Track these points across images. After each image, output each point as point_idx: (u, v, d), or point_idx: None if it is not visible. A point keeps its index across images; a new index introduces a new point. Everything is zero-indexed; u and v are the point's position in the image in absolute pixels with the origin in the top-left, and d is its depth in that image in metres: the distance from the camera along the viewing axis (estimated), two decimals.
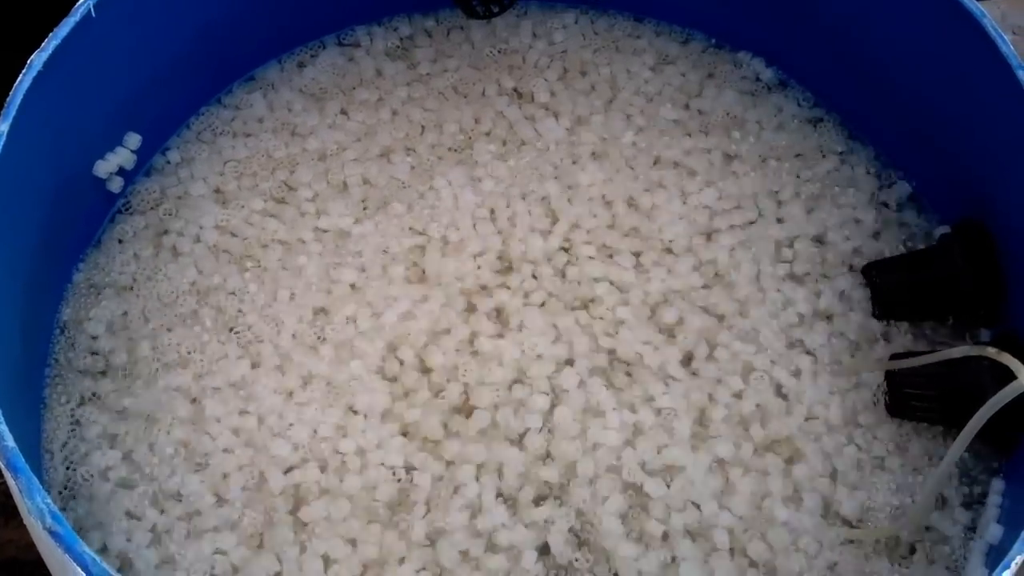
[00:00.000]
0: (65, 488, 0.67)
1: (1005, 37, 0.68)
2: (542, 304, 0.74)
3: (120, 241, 0.76)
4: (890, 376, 0.73)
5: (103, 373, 0.71)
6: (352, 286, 0.74)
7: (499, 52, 0.86)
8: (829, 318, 0.75)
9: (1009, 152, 0.70)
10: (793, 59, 0.85)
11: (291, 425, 0.69)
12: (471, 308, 0.74)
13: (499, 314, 0.74)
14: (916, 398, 0.71)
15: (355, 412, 0.69)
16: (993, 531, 0.65)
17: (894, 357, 0.73)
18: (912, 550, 0.67)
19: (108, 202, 0.77)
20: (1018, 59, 0.67)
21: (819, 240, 0.78)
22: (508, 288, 0.74)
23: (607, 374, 0.72)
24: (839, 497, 0.68)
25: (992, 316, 0.73)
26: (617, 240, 0.77)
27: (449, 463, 0.68)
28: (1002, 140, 0.70)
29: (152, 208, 0.77)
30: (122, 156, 0.75)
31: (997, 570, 0.53)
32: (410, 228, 0.77)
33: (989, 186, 0.73)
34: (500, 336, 0.73)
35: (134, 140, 0.75)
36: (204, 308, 0.73)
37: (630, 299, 0.74)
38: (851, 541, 0.67)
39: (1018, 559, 0.53)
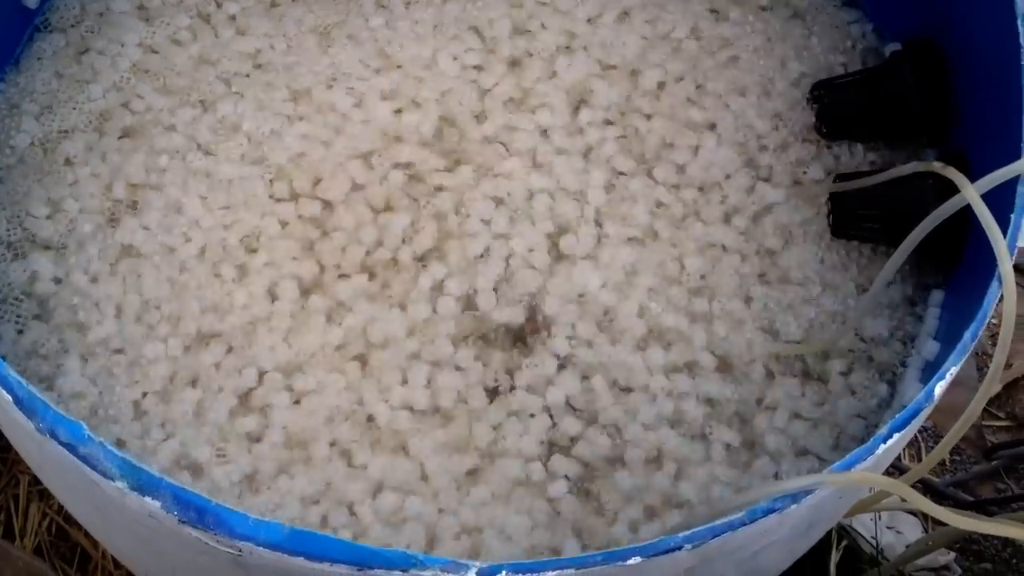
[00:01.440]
0: None
1: None
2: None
3: (39, 59, 0.72)
4: (835, 196, 0.72)
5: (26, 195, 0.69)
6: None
7: None
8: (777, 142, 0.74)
9: None
10: None
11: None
12: None
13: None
14: (860, 218, 0.71)
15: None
16: (930, 347, 0.66)
17: (840, 178, 0.73)
18: (851, 366, 0.68)
19: (26, 18, 0.72)
20: None
21: (767, 57, 0.77)
22: None
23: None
24: (782, 317, 0.69)
25: (939, 135, 0.72)
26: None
27: None
28: None
29: (72, 26, 0.73)
30: None
31: (931, 381, 0.53)
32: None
33: (943, 4, 0.71)
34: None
35: None
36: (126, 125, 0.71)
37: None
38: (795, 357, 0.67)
39: (953, 370, 0.54)
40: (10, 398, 0.45)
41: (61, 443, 0.44)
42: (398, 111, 0.72)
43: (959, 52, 0.69)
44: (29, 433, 0.45)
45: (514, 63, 0.75)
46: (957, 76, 0.69)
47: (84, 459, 0.43)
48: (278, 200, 0.69)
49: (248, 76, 0.73)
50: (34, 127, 0.70)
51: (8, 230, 0.67)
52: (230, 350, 0.64)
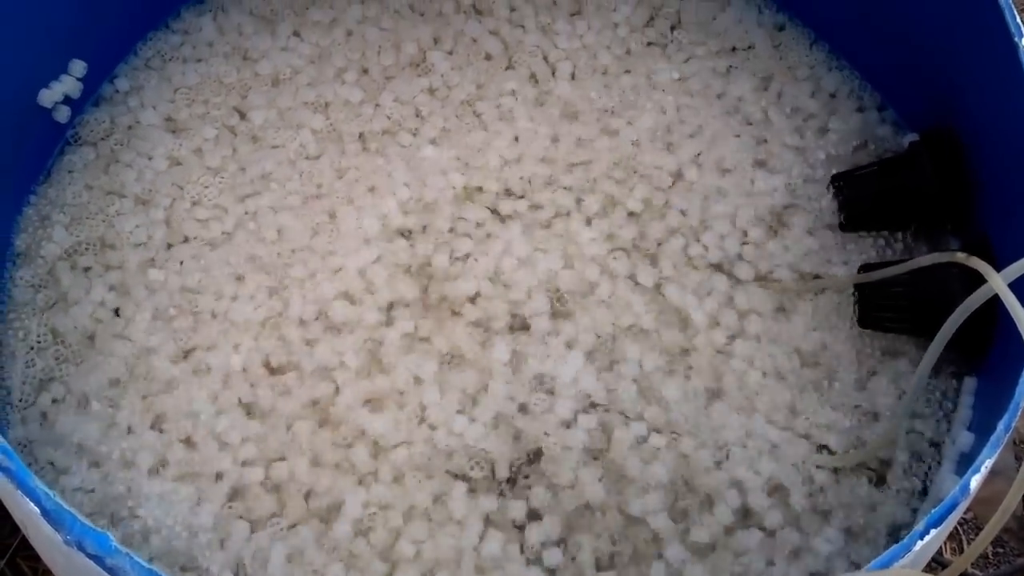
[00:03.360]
0: (23, 423, 0.65)
1: None
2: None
3: (70, 172, 0.74)
4: (860, 287, 0.72)
5: (60, 303, 0.69)
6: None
7: None
8: (796, 230, 0.74)
9: (976, 57, 0.68)
10: None
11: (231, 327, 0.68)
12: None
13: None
14: (886, 309, 0.70)
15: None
16: (964, 438, 0.65)
17: (864, 269, 0.72)
18: (886, 464, 0.67)
19: (57, 133, 0.74)
20: None
21: (786, 148, 0.77)
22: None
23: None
24: (816, 418, 0.68)
25: (960, 223, 0.72)
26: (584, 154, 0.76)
27: None
28: (969, 45, 0.69)
29: (102, 139, 0.75)
30: (67, 84, 0.72)
31: (967, 474, 0.52)
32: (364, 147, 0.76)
33: (957, 92, 0.72)
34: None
35: (79, 67, 0.72)
36: (156, 232, 0.72)
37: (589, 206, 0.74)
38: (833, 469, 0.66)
39: (988, 463, 0.53)
40: (37, 510, 0.45)
41: (88, 555, 0.43)
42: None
43: (976, 139, 0.69)
44: (56, 544, 0.44)
45: None
46: (975, 162, 0.69)
47: (111, 570, 0.43)
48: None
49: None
50: (64, 237, 0.71)
51: (38, 338, 0.68)
52: None
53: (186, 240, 0.72)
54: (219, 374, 0.67)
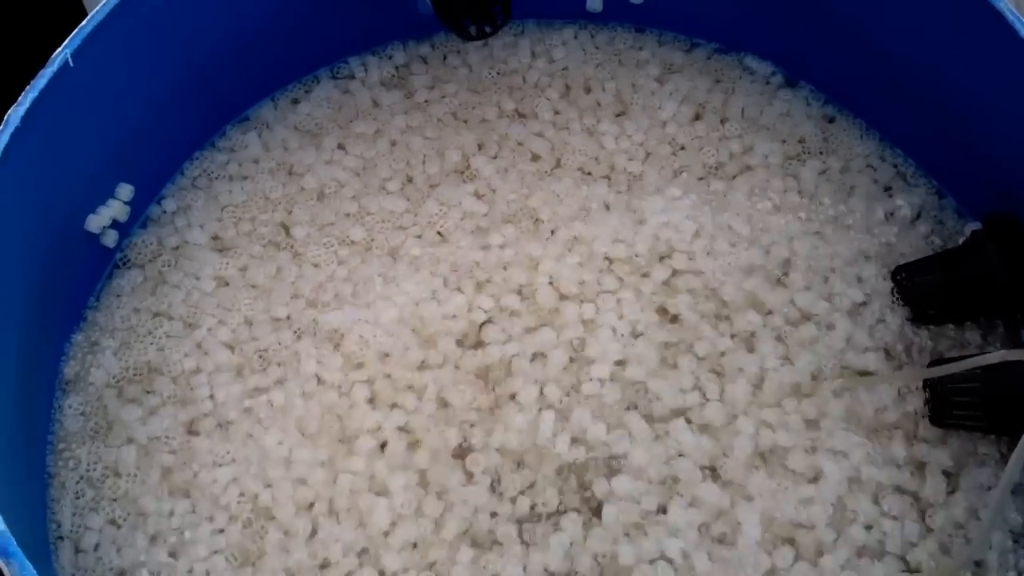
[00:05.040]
0: (74, 553, 0.64)
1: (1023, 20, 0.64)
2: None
3: (118, 296, 0.73)
4: (930, 385, 0.69)
5: (107, 431, 0.68)
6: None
7: (498, 74, 0.83)
8: (862, 326, 0.72)
9: None
10: (802, 59, 0.82)
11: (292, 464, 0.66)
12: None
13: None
14: (960, 406, 0.67)
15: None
16: None
17: (933, 363, 0.69)
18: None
19: (105, 257, 0.74)
20: None
21: (845, 240, 0.75)
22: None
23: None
24: (893, 533, 0.65)
25: None
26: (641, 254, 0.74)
27: None
28: None
29: (150, 261, 0.75)
30: (115, 209, 0.72)
31: None
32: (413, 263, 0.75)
33: (1018, 177, 0.69)
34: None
35: (126, 191, 0.73)
36: (205, 359, 0.71)
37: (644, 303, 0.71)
38: None
39: None
40: None
41: None
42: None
43: None
44: None
45: None
46: None
47: None
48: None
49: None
50: (112, 363, 0.71)
51: (88, 467, 0.67)
52: None
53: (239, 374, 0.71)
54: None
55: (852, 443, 0.67)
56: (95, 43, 0.64)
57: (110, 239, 0.73)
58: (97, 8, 0.64)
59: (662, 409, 0.68)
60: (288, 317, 0.72)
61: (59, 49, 0.63)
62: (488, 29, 0.71)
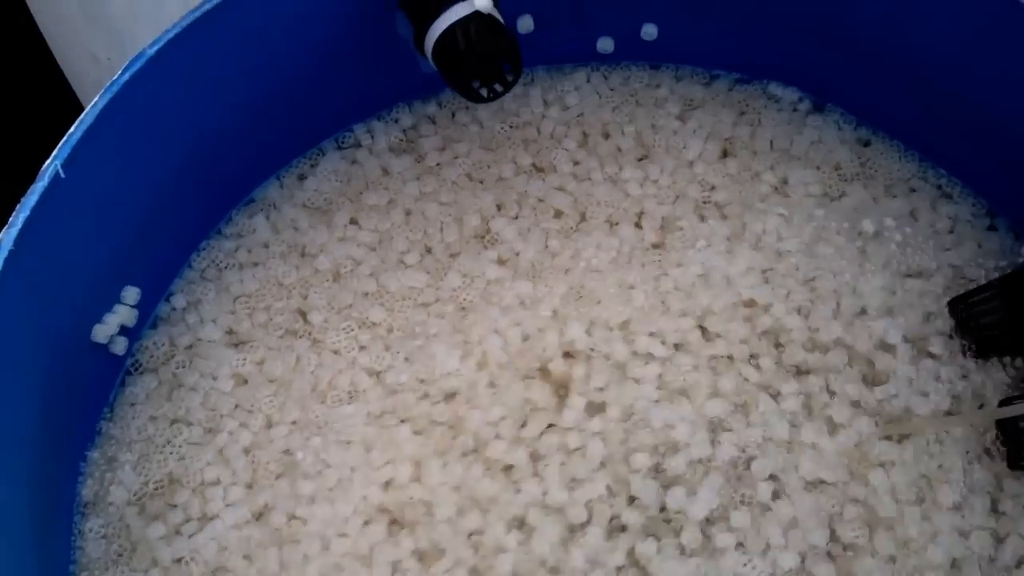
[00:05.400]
0: None
1: None
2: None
3: (132, 404, 0.69)
4: (1002, 425, 0.64)
5: (131, 553, 0.64)
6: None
7: (511, 127, 0.79)
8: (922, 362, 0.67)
9: None
10: (829, 82, 0.77)
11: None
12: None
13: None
14: None
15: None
16: None
17: (1004, 403, 0.64)
18: None
19: (115, 365, 0.70)
20: None
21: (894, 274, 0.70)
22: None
23: None
24: None
25: None
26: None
27: None
28: None
29: (164, 363, 0.71)
30: (122, 314, 0.68)
31: None
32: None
33: None
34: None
35: (132, 294, 0.69)
36: (224, 466, 0.66)
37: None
38: None
39: None
40: None
41: None
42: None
43: None
44: None
45: None
46: None
47: None
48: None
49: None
50: (132, 479, 0.66)
51: None
52: None
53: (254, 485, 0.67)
54: None
55: None
56: (86, 149, 0.60)
57: (119, 347, 0.69)
58: (86, 111, 0.60)
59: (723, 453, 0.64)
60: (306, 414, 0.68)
61: (48, 160, 0.58)
62: (499, 88, 0.67)
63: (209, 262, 0.74)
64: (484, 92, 0.66)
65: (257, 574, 0.63)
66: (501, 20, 0.65)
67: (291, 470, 0.66)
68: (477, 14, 0.64)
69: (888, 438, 0.65)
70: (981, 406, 0.66)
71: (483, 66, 0.66)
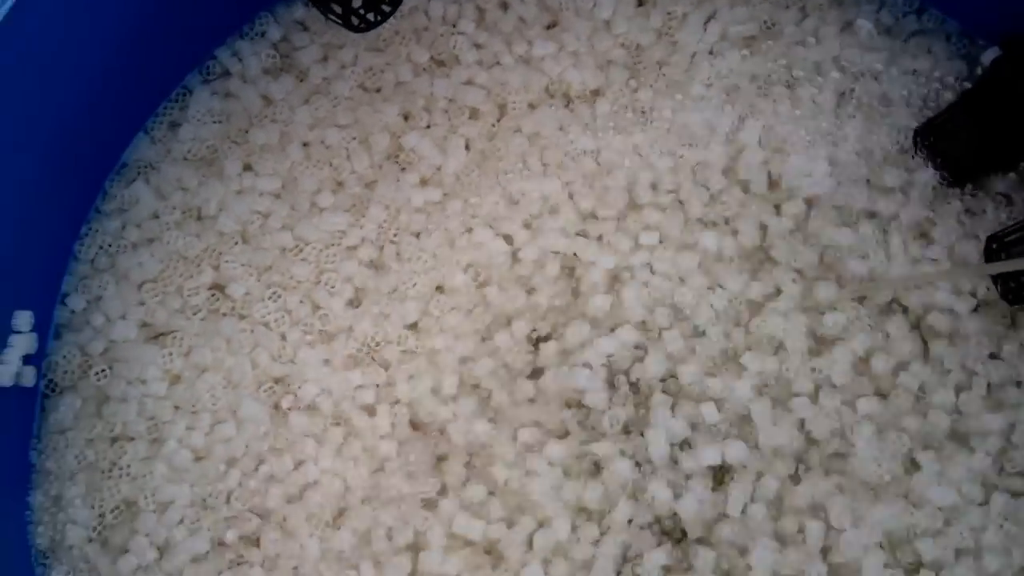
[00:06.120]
0: None
1: None
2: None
3: (62, 432, 0.62)
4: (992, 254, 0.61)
5: None
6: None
7: (395, 18, 0.68)
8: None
9: None
10: None
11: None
12: None
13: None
14: None
15: None
16: None
17: (992, 240, 0.61)
18: None
19: (30, 396, 0.62)
20: None
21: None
22: None
23: None
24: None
25: None
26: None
27: None
28: None
29: (81, 377, 0.63)
30: (20, 345, 0.60)
31: None
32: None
33: None
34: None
35: (25, 319, 0.60)
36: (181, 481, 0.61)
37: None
38: None
39: None
40: None
41: None
42: None
43: None
44: None
45: None
46: None
47: None
48: None
49: None
50: (86, 515, 0.61)
51: None
52: None
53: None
54: None
55: None
56: None
57: (28, 378, 0.61)
58: None
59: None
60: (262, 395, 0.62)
61: None
62: (387, 8, 0.57)
63: (97, 248, 0.65)
64: (371, 16, 0.57)
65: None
66: None
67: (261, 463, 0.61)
68: None
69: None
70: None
71: None
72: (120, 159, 0.67)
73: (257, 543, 0.60)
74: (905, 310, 0.61)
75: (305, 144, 0.67)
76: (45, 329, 0.63)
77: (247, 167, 0.67)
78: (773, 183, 0.64)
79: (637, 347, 0.61)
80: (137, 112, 0.67)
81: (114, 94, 0.64)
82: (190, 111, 0.68)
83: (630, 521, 0.57)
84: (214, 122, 0.67)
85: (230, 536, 0.59)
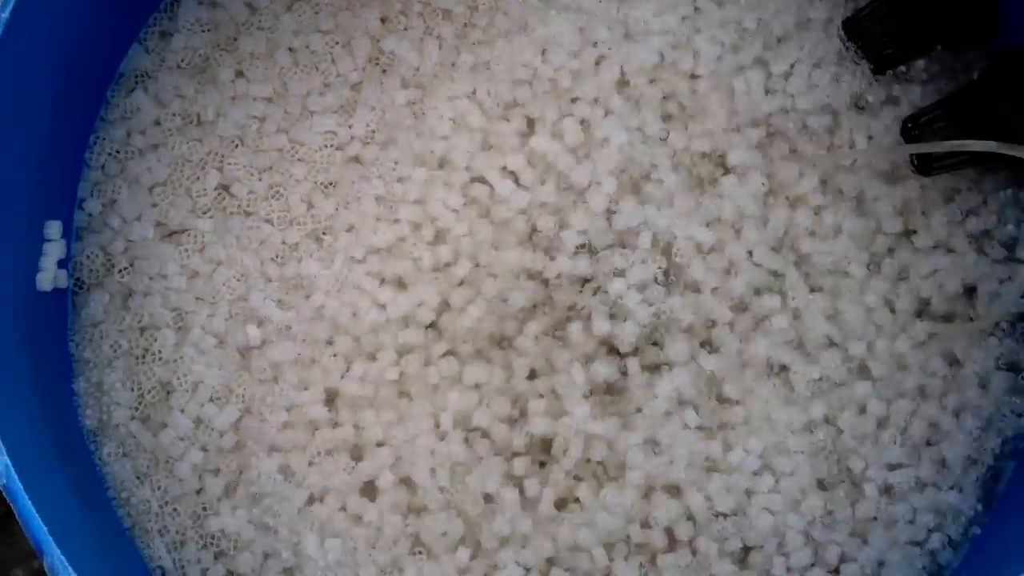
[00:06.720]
0: None
1: None
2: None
3: (95, 325, 0.70)
4: (908, 135, 0.69)
5: (155, 466, 0.69)
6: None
7: None
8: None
9: None
10: None
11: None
12: None
13: None
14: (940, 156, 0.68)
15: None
16: None
17: (909, 120, 0.69)
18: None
19: (62, 296, 0.69)
20: None
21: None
22: None
23: None
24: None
25: (990, 29, 0.69)
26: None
27: None
28: None
29: (106, 275, 0.70)
30: (54, 251, 0.67)
31: None
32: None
33: None
34: None
35: (55, 228, 0.67)
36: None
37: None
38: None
39: None
40: None
41: None
42: None
43: None
44: None
45: None
46: None
47: None
48: None
49: None
50: (127, 397, 0.69)
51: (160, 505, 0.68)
52: None
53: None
54: None
55: None
56: None
57: (63, 280, 0.68)
58: None
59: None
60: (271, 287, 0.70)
61: None
62: None
63: (106, 155, 0.71)
64: None
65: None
66: None
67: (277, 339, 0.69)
68: None
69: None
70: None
71: None
72: (119, 69, 0.72)
73: None
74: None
75: (292, 50, 0.72)
76: (68, 233, 0.70)
77: (239, 73, 0.72)
78: None
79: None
80: (132, 23, 0.72)
81: (109, 4, 0.69)
82: (179, 21, 0.72)
83: None
84: (203, 31, 0.72)
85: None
